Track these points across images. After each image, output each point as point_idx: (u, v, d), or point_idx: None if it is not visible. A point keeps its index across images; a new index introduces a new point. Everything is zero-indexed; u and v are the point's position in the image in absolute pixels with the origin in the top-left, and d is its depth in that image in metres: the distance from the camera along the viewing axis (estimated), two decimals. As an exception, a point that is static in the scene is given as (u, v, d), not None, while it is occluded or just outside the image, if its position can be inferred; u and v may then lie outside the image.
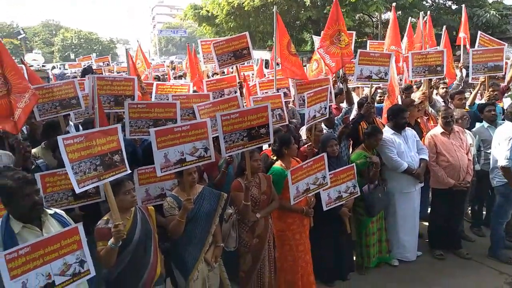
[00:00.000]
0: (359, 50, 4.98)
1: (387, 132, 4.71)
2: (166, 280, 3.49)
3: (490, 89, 5.89)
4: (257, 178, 3.78)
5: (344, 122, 5.06)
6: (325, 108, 4.60)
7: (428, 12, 7.77)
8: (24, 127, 5.09)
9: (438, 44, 8.02)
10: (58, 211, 2.72)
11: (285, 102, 4.99)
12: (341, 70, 5.47)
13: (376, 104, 5.62)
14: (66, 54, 56.93)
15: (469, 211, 5.83)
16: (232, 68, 8.10)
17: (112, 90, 4.56)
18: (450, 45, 7.46)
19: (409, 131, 4.78)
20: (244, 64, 7.35)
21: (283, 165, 4.03)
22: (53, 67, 27.03)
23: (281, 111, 4.72)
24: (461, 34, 7.73)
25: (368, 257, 4.68)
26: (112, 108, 4.60)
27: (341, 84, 6.32)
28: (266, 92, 5.80)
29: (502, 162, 4.52)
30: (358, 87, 7.11)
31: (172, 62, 23.62)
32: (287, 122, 4.84)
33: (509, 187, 4.58)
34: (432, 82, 5.92)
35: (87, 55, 14.48)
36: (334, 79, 6.40)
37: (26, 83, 3.99)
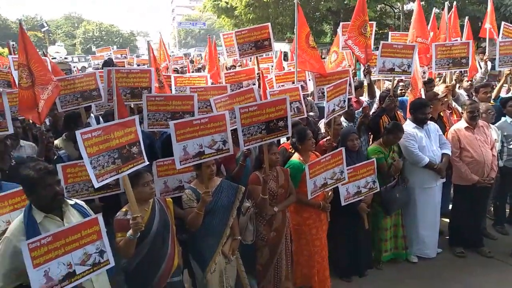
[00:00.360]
0: (381, 42, 4.86)
1: (409, 126, 4.61)
2: (183, 271, 3.53)
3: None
4: (275, 172, 3.76)
5: (363, 111, 4.96)
6: (344, 101, 4.52)
7: (454, 3, 7.51)
8: (47, 118, 5.20)
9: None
10: (79, 201, 2.77)
11: (302, 95, 4.93)
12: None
13: (399, 98, 5.49)
14: (88, 46, 57.85)
15: (492, 208, 5.67)
16: (250, 60, 8.10)
17: (128, 82, 4.55)
18: (473, 36, 7.22)
19: (432, 125, 4.66)
20: (263, 56, 7.31)
21: (301, 158, 4.00)
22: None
23: (299, 103, 4.64)
24: (487, 25, 7.45)
25: (379, 252, 4.63)
26: (128, 100, 4.60)
27: (363, 77, 6.21)
28: (282, 85, 5.75)
29: None
30: (379, 80, 6.97)
31: (185, 55, 23.52)
32: (305, 115, 4.77)
33: None
34: (455, 76, 5.75)
35: (106, 47, 14.69)
36: (354, 71, 6.29)
37: (49, 75, 4.06)
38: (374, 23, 7.04)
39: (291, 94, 4.48)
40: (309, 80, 5.82)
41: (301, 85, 5.30)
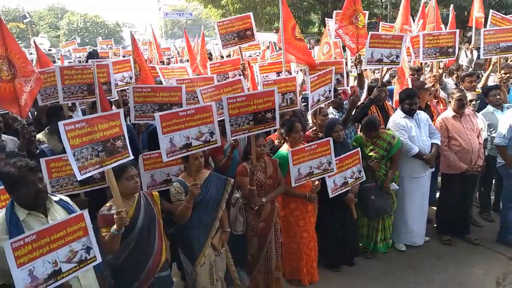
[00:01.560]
0: (370, 33, 4.82)
1: (399, 116, 4.62)
2: (171, 265, 3.50)
3: (502, 71, 5.73)
4: (263, 163, 3.74)
5: (351, 90, 4.91)
6: (330, 91, 4.50)
7: (440, -8, 7.52)
8: (29, 112, 5.07)
9: (446, 25, 7.80)
10: (63, 197, 2.70)
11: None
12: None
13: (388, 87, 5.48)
14: (72, 38, 56.57)
15: (477, 196, 5.74)
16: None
17: (83, 79, 4.24)
18: (455, 26, 7.25)
19: (422, 115, 4.68)
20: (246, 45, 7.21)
21: (290, 149, 3.98)
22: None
23: (293, 94, 4.49)
24: (478, 14, 7.45)
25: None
26: (85, 97, 4.32)
27: (349, 67, 6.19)
28: (267, 76, 5.70)
29: (496, 140, 4.58)
30: (366, 69, 6.95)
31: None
32: (298, 107, 4.67)
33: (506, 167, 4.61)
34: (442, 64, 5.77)
35: (71, 41, 14.45)
36: (345, 61, 6.26)
37: (31, 67, 3.94)
38: (367, 12, 7.02)
39: (287, 84, 4.39)
40: (295, 72, 5.78)
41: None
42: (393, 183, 4.52)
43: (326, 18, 7.12)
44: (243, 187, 3.59)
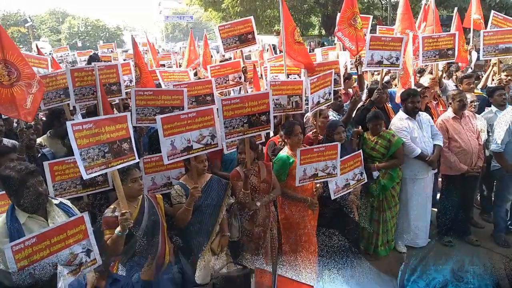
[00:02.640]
0: (370, 35, 4.84)
1: (401, 117, 4.63)
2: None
3: (504, 73, 5.73)
4: (256, 166, 3.72)
5: (353, 90, 4.91)
6: (329, 93, 4.50)
7: (440, -5, 7.53)
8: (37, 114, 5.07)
9: (448, 27, 7.81)
10: (64, 200, 2.72)
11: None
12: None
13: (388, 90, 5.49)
14: (73, 41, 56.72)
15: (478, 197, 5.74)
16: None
17: (94, 81, 4.27)
18: (462, 28, 7.26)
19: (424, 116, 4.69)
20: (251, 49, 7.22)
21: (290, 152, 3.98)
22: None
23: (298, 98, 4.48)
24: (475, 16, 7.47)
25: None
26: (96, 98, 4.26)
27: (349, 69, 6.19)
28: (276, 76, 5.70)
29: (492, 146, 4.58)
30: (366, 71, 6.96)
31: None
32: (303, 110, 4.65)
33: (504, 171, 4.61)
34: (441, 67, 5.78)
35: (64, 46, 14.51)
36: (345, 63, 6.27)
37: (32, 71, 3.97)
38: (371, 16, 7.05)
39: (293, 87, 4.39)
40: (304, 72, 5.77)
41: (295, 78, 5.25)
42: (377, 171, 4.49)
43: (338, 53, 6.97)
44: (237, 191, 3.58)
